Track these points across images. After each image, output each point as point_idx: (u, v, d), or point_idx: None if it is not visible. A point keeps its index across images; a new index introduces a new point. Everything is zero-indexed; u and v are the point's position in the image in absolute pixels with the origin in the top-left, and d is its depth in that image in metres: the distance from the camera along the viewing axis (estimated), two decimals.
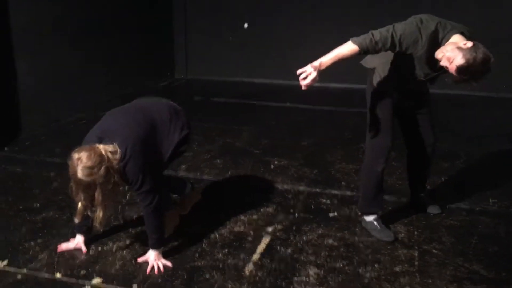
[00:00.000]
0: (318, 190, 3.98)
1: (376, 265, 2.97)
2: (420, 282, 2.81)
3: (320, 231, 3.35)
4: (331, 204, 3.74)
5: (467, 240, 3.25)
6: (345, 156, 4.68)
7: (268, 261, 3.01)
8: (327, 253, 3.10)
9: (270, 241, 3.23)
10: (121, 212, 3.56)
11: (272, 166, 4.45)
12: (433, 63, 2.87)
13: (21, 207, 3.64)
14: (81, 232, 3.09)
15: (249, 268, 2.94)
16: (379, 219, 3.32)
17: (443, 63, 2.77)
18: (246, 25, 7.74)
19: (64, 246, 3.10)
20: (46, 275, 2.85)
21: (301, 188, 4.02)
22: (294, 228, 3.40)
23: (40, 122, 5.37)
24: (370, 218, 3.33)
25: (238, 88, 7.41)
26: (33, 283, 2.79)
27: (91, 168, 2.59)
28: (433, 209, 3.57)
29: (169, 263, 2.94)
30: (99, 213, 2.72)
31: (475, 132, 5.37)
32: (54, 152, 4.72)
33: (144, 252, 3.00)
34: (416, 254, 3.09)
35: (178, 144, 2.96)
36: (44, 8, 5.36)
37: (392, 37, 2.80)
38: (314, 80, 2.78)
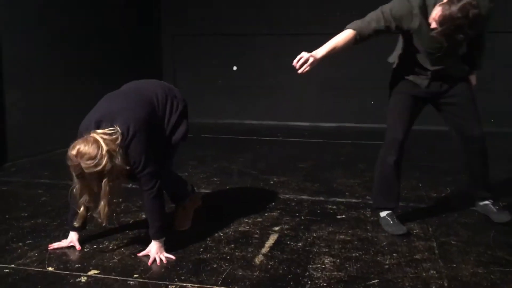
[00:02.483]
0: (322, 198, 3.82)
1: (394, 254, 2.78)
2: (444, 267, 2.62)
3: (330, 229, 3.16)
4: (338, 209, 3.57)
5: (485, 233, 3.09)
6: (345, 173, 4.55)
7: (279, 252, 2.80)
8: (340, 245, 2.90)
9: (279, 237, 3.02)
10: (116, 219, 3.33)
11: (272, 182, 4.29)
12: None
13: (7, 216, 3.39)
14: (74, 229, 2.85)
15: (259, 258, 2.72)
16: (393, 215, 3.15)
17: (433, 25, 2.70)
18: (235, 68, 7.80)
19: (56, 245, 2.85)
20: (37, 269, 2.58)
21: (305, 197, 3.85)
22: (302, 227, 3.20)
23: (26, 153, 5.17)
24: (384, 213, 3.17)
25: (229, 128, 7.33)
26: (23, 275, 2.51)
27: (94, 158, 2.45)
28: (501, 217, 3.19)
29: (172, 256, 2.70)
30: (104, 207, 2.54)
31: None
32: (42, 175, 4.50)
33: (144, 249, 2.77)
34: (435, 245, 2.91)
35: (178, 119, 2.84)
36: (37, 44, 5.30)
37: (383, 13, 2.81)
38: (308, 62, 2.74)
